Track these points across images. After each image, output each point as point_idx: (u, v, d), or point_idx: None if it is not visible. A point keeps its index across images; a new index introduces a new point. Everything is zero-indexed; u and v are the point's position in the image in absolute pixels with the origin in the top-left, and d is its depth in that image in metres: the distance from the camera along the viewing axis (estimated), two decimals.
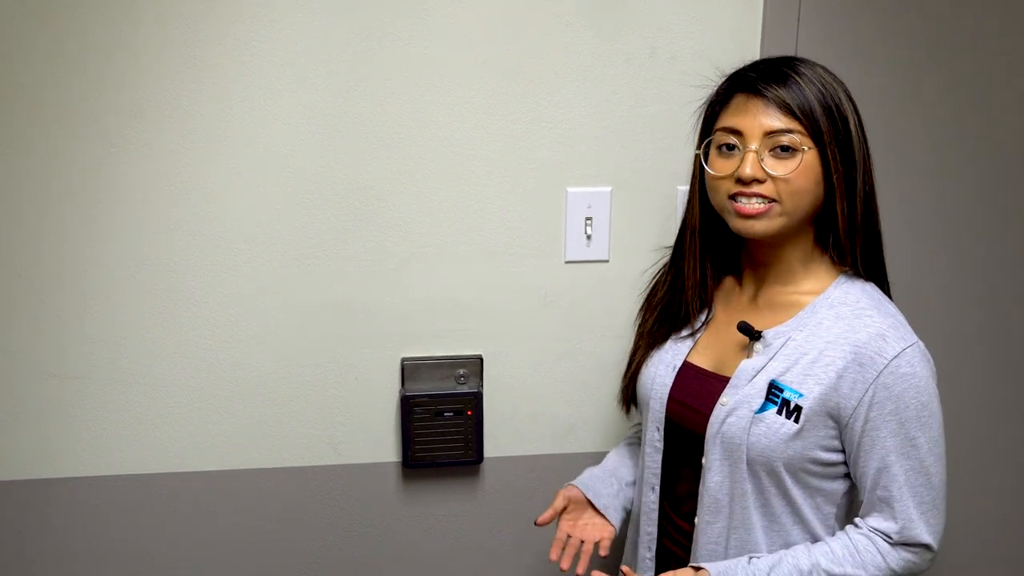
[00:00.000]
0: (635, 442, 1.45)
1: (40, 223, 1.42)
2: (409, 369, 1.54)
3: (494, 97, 1.47)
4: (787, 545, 1.20)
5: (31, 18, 1.35)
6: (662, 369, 1.29)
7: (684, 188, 1.53)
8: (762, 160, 1.14)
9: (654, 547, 1.33)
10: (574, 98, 1.48)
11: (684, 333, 1.30)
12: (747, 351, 1.22)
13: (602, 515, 1.36)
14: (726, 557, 1.22)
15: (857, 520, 1.19)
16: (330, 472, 1.58)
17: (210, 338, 1.50)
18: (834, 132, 1.14)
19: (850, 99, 1.18)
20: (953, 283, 1.67)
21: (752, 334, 1.21)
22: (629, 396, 1.37)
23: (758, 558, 1.18)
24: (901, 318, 1.17)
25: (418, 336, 1.54)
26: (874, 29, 1.54)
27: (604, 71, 1.48)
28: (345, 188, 1.47)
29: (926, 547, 1.16)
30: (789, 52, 1.50)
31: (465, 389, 1.54)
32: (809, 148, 1.13)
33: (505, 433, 1.60)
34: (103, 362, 1.48)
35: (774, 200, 1.14)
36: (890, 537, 1.16)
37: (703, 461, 1.22)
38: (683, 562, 1.26)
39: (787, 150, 1.14)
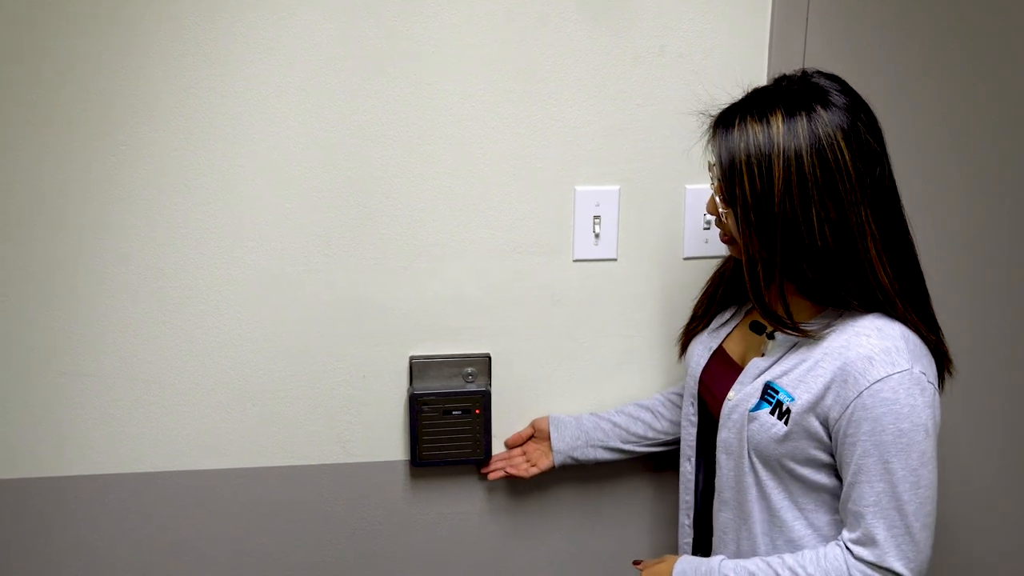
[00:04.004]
0: (643, 408, 1.56)
1: (52, 222, 1.42)
2: (417, 368, 1.54)
3: (502, 95, 1.47)
4: (790, 541, 1.23)
5: (45, 21, 1.35)
6: (699, 348, 1.39)
7: (692, 187, 1.54)
8: (716, 199, 1.23)
9: (692, 514, 1.43)
10: (582, 97, 1.48)
11: (726, 316, 1.39)
12: (761, 348, 1.26)
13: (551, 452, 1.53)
14: (737, 546, 1.28)
15: (842, 531, 1.19)
16: (338, 470, 1.58)
17: (218, 336, 1.50)
18: (750, 194, 1.15)
19: (821, 146, 1.12)
20: (969, 286, 1.67)
21: (763, 332, 1.25)
22: (682, 348, 1.48)
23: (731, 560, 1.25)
24: (903, 344, 1.14)
25: (426, 334, 1.54)
26: (883, 29, 1.53)
27: (612, 69, 1.48)
28: (353, 187, 1.47)
29: (896, 574, 1.14)
30: (797, 51, 1.50)
31: (473, 388, 1.54)
32: (726, 204, 1.20)
33: (513, 432, 1.60)
34: (112, 360, 1.49)
35: (729, 236, 1.24)
36: (859, 553, 1.15)
37: (716, 453, 1.29)
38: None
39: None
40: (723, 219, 1.22)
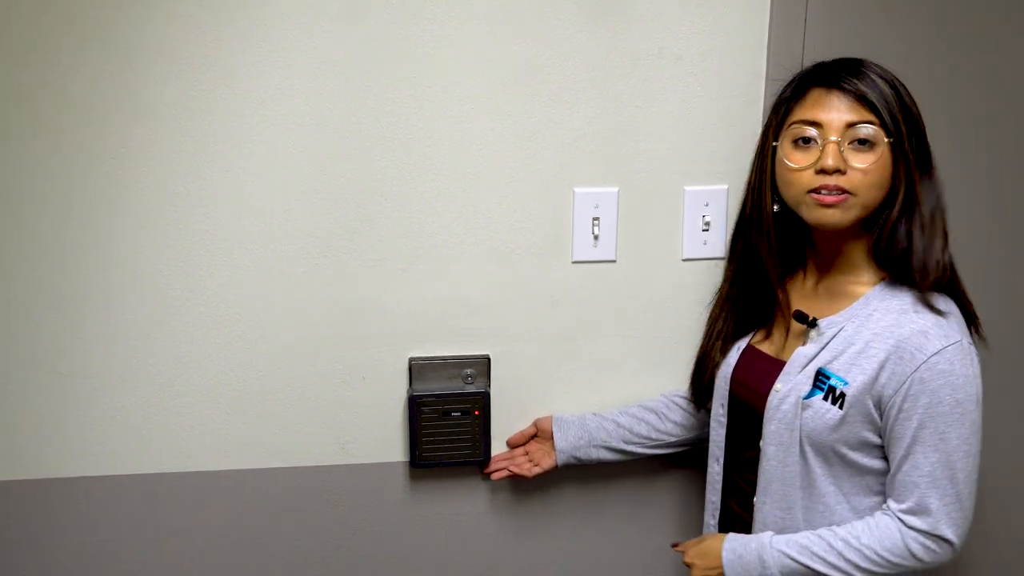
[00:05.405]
0: (647, 410, 1.55)
1: (56, 224, 1.43)
2: (417, 369, 1.54)
3: (501, 97, 1.47)
4: (832, 524, 1.26)
5: (48, 23, 1.36)
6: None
7: (691, 188, 1.54)
8: (842, 151, 1.19)
9: (718, 514, 1.44)
10: (581, 98, 1.49)
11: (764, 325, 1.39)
12: (803, 338, 1.29)
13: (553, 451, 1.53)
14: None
15: (887, 503, 1.23)
16: (338, 472, 1.58)
17: (218, 338, 1.50)
18: (908, 128, 1.20)
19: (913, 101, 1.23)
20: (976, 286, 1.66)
21: (807, 322, 1.28)
22: (696, 388, 1.47)
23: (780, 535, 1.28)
24: (950, 316, 1.20)
25: (426, 336, 1.54)
26: (882, 31, 1.53)
27: (611, 71, 1.48)
28: (353, 188, 1.47)
29: (947, 541, 1.19)
30: (796, 53, 1.50)
31: (472, 389, 1.54)
32: (886, 141, 1.19)
33: (512, 433, 1.60)
34: (113, 362, 1.49)
35: (849, 192, 1.20)
36: (911, 522, 1.19)
37: (760, 444, 1.31)
38: (747, 526, 1.36)
39: (865, 143, 1.19)
40: (862, 169, 1.19)
